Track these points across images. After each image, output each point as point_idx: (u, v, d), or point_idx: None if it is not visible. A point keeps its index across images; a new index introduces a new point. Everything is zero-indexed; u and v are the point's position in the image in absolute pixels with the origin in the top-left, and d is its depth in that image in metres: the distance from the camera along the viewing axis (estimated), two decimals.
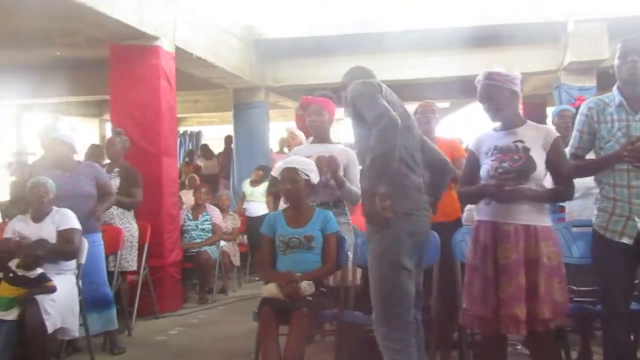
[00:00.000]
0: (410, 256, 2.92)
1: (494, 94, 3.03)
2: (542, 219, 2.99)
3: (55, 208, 4.35)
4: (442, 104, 14.13)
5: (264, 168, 8.68)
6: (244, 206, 8.58)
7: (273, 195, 5.18)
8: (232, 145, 10.79)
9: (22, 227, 4.25)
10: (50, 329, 3.86)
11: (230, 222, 7.82)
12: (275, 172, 4.21)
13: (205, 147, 13.66)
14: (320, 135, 4.30)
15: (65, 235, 4.23)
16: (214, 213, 7.30)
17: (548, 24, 8.30)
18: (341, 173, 4.06)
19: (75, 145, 4.87)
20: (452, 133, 12.20)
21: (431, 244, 3.40)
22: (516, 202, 2.93)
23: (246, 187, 8.59)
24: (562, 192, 3.06)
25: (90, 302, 4.53)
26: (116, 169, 5.60)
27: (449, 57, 8.91)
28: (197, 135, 16.63)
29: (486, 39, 8.35)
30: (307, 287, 3.66)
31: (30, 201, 4.32)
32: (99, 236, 4.78)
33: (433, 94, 10.11)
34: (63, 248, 4.19)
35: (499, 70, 3.06)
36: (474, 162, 3.16)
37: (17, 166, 9.07)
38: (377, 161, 2.77)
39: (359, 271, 3.99)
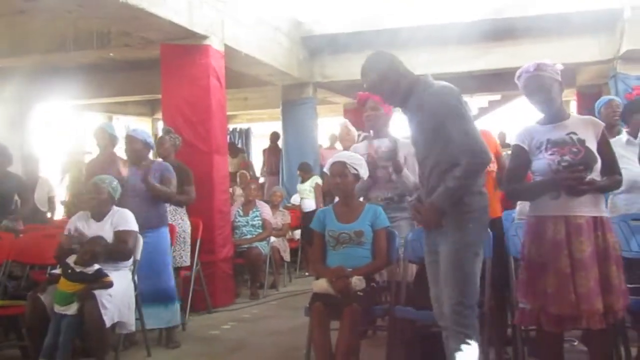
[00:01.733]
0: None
1: (547, 86, 2.98)
2: (604, 210, 3.01)
3: (115, 208, 4.46)
4: (493, 96, 13.89)
5: (302, 167, 8.82)
6: (297, 202, 8.73)
7: (325, 192, 5.22)
8: (280, 142, 10.85)
9: (83, 226, 4.37)
10: (108, 323, 3.96)
11: (280, 218, 7.86)
12: (327, 168, 4.21)
13: (230, 145, 13.75)
14: (377, 129, 4.33)
15: (121, 236, 4.33)
16: (264, 209, 7.34)
17: (603, 11, 8.05)
18: (402, 161, 4.06)
19: (148, 141, 5.00)
20: (499, 126, 12.05)
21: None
22: (583, 194, 2.90)
23: (299, 186, 8.74)
24: (619, 181, 3.07)
25: (154, 295, 4.64)
26: None
27: (501, 50, 8.75)
28: (246, 132, 16.77)
29: (534, 29, 8.18)
30: (358, 282, 3.65)
31: (85, 200, 4.44)
32: (165, 230, 4.90)
33: (483, 86, 10.00)
34: (117, 248, 4.29)
35: (546, 62, 3.04)
36: (523, 158, 3.08)
37: (70, 164, 9.35)
38: (456, 190, 2.81)
39: (411, 267, 3.95)
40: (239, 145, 15.63)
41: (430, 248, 3.02)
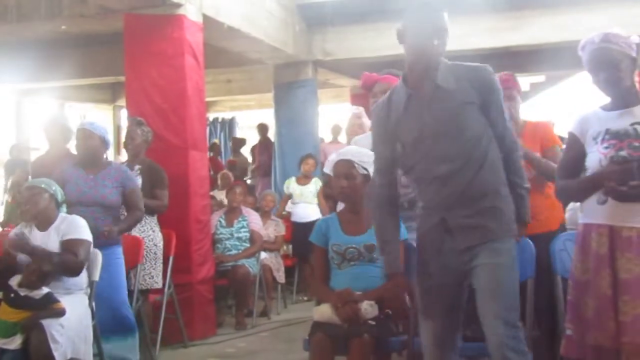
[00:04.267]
0: None
1: (614, 61, 2.98)
2: None
3: (62, 215, 4.47)
4: (535, 78, 13.90)
5: (315, 157, 8.69)
6: (288, 209, 8.62)
7: (326, 197, 5.21)
8: (271, 135, 10.86)
9: (34, 236, 4.36)
10: None
11: (272, 229, 7.87)
12: (327, 168, 4.21)
13: (236, 140, 13.80)
14: None
15: (69, 246, 4.32)
16: (253, 218, 7.34)
17: None
18: None
19: (107, 138, 5.01)
20: (544, 115, 12.04)
21: (525, 253, 3.35)
22: (633, 200, 2.87)
23: (292, 185, 8.62)
24: None
25: (108, 326, 4.65)
26: (137, 167, 5.70)
27: (542, 19, 8.75)
28: (230, 123, 16.81)
29: None
30: (368, 308, 3.65)
31: (21, 206, 4.45)
32: (119, 250, 4.90)
33: (522, 65, 9.96)
34: (63, 261, 4.27)
35: (617, 32, 3.02)
36: (577, 149, 3.10)
37: (12, 163, 9.39)
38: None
39: None
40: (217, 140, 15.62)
41: (450, 265, 3.01)
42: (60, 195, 4.49)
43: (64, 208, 4.52)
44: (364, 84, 4.34)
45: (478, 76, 2.99)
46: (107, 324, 4.65)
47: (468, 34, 8.43)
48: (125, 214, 5.09)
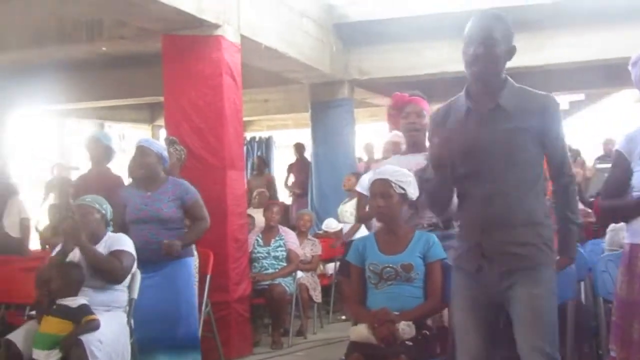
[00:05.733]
0: None
1: None
2: None
3: (109, 234, 4.55)
4: (575, 96, 13.78)
5: (357, 176, 8.67)
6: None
7: (360, 219, 5.21)
8: (308, 154, 10.88)
9: (74, 254, 4.43)
10: None
11: (309, 249, 7.86)
12: (360, 187, 4.21)
13: (261, 159, 13.85)
14: (417, 141, 4.30)
15: (114, 254, 4.41)
16: (289, 237, 7.35)
17: None
18: None
19: (164, 155, 5.09)
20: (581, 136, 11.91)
21: (566, 275, 3.31)
22: None
23: (341, 207, 8.63)
24: None
25: (168, 342, 4.72)
26: None
27: (582, 37, 8.68)
28: (267, 142, 16.90)
29: (633, 10, 8.09)
30: (406, 328, 3.63)
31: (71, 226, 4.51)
32: (191, 261, 5.04)
33: (561, 83, 9.87)
34: (110, 262, 4.34)
35: None
36: (624, 168, 3.08)
37: (54, 183, 9.51)
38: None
39: None
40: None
41: (487, 291, 2.97)
42: (109, 213, 4.56)
43: (110, 227, 4.59)
44: (396, 104, 4.35)
45: (541, 104, 2.94)
46: (165, 340, 4.70)
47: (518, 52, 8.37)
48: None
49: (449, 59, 9.15)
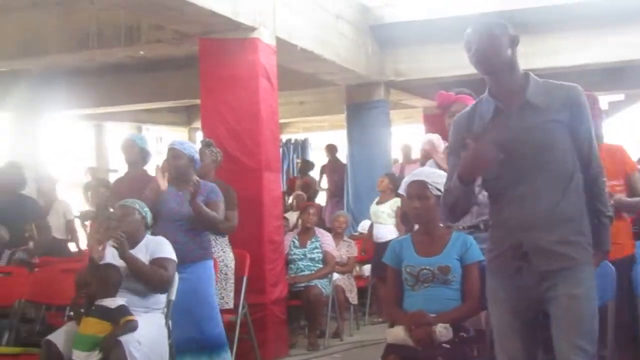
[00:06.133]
0: None
1: None
2: None
3: (148, 236, 4.59)
4: (614, 96, 13.59)
5: (391, 176, 8.65)
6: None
7: (402, 219, 5.20)
8: (340, 155, 10.88)
9: (114, 255, 4.48)
10: None
11: (345, 250, 7.86)
12: (402, 189, 4.20)
13: (305, 162, 13.87)
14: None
15: (158, 263, 4.45)
16: (326, 239, 7.35)
17: None
18: None
19: (195, 157, 5.15)
20: (621, 137, 11.75)
21: (605, 276, 3.26)
22: None
23: (373, 205, 8.60)
24: None
25: (196, 344, 4.74)
26: None
27: (621, 36, 8.56)
28: (302, 144, 16.93)
29: None
30: (443, 331, 3.61)
31: (111, 228, 4.57)
32: (210, 264, 5.04)
33: (600, 83, 9.74)
34: (156, 272, 4.40)
35: None
36: None
37: (92, 185, 9.63)
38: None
39: None
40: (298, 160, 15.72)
41: (526, 293, 2.90)
42: (149, 217, 4.61)
43: (149, 230, 4.65)
44: (441, 103, 4.31)
45: (568, 95, 2.90)
46: (194, 342, 4.74)
47: (542, 53, 8.32)
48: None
49: None
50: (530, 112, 2.88)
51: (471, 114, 3.06)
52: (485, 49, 2.87)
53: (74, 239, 7.98)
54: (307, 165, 13.25)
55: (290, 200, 10.29)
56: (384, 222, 8.28)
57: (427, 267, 3.79)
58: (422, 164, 4.81)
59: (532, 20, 7.90)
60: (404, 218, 5.09)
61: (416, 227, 4.16)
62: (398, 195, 7.80)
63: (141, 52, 8.88)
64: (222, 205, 5.16)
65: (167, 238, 4.66)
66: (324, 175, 12.86)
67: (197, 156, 5.16)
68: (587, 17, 8.26)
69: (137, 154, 5.76)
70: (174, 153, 5.08)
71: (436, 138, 5.68)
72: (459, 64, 9.28)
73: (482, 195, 3.88)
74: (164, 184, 4.88)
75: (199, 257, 4.95)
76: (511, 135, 2.88)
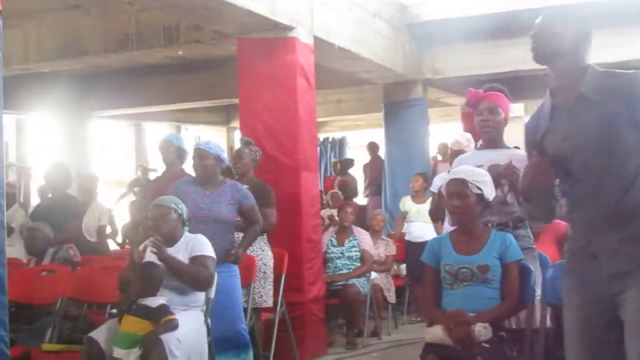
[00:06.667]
0: None
1: None
2: None
3: (187, 234, 4.63)
4: None
5: (424, 175, 8.62)
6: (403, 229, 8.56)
7: (431, 216, 5.17)
8: (382, 154, 10.87)
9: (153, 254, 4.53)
10: None
11: (383, 249, 7.85)
12: (434, 187, 4.18)
13: (344, 161, 13.84)
14: (493, 138, 4.25)
15: (198, 261, 4.48)
16: (363, 237, 7.34)
17: None
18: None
19: (222, 156, 5.17)
20: None
21: None
22: None
23: (408, 203, 8.56)
24: None
25: (222, 343, 4.76)
26: (245, 186, 5.81)
27: None
28: (340, 143, 16.94)
29: None
30: (482, 330, 3.59)
31: (149, 226, 4.62)
32: (235, 267, 5.03)
33: None
34: (196, 271, 4.43)
35: None
36: None
37: (132, 184, 9.78)
38: None
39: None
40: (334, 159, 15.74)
41: (596, 296, 2.74)
42: (185, 214, 4.64)
43: (187, 227, 4.68)
44: (470, 101, 4.28)
45: (627, 82, 2.71)
46: (222, 340, 4.76)
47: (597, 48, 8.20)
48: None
49: (524, 57, 8.99)
50: (584, 106, 2.74)
51: (536, 116, 2.95)
52: (543, 38, 2.78)
53: (102, 244, 8.01)
54: (347, 164, 13.25)
55: (326, 199, 10.30)
56: (427, 220, 8.24)
57: (466, 266, 3.77)
58: (451, 164, 4.78)
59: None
60: (433, 215, 5.06)
61: (445, 223, 4.14)
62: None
63: (180, 53, 8.97)
64: (257, 208, 5.19)
65: None
66: (366, 173, 12.86)
67: (223, 155, 5.17)
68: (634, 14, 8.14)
69: (174, 154, 5.82)
70: (200, 153, 5.09)
71: (465, 138, 5.66)
72: (496, 61, 9.34)
73: (510, 195, 3.86)
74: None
75: (225, 259, 4.95)
76: (568, 133, 2.77)
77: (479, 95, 4.22)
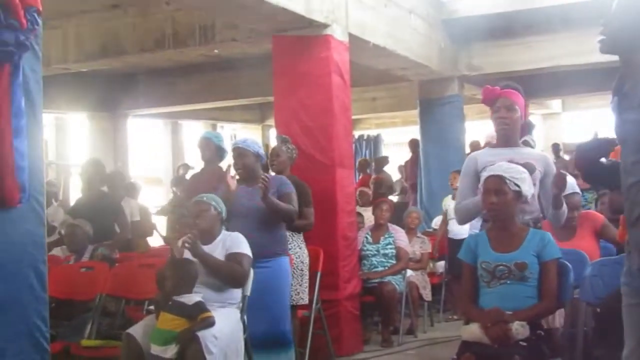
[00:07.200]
0: None
1: None
2: None
3: (225, 232, 4.66)
4: None
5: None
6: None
7: None
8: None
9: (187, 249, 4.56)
10: None
11: (418, 247, 7.83)
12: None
13: (379, 159, 13.82)
14: (508, 135, 4.22)
15: (233, 258, 4.51)
16: (399, 235, 7.33)
17: None
18: (536, 184, 3.96)
19: (260, 153, 5.20)
20: None
21: None
22: None
23: (448, 201, 8.53)
24: None
25: (266, 340, 4.80)
26: None
27: None
28: (375, 140, 16.91)
29: None
30: (519, 329, 3.56)
31: (188, 224, 4.65)
32: (286, 260, 5.08)
33: None
34: (230, 267, 4.46)
35: None
36: None
37: (178, 182, 9.84)
38: None
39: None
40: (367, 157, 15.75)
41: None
42: (224, 211, 4.68)
43: (224, 225, 4.71)
44: (485, 98, 4.25)
45: None
46: (264, 338, 4.79)
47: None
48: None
49: (561, 52, 8.93)
50: (625, 105, 2.66)
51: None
52: (618, 28, 2.64)
53: (135, 240, 8.09)
54: (382, 162, 13.22)
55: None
56: (454, 216, 8.21)
57: (504, 264, 3.74)
58: None
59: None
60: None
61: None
62: None
63: (216, 51, 9.03)
64: (295, 197, 5.18)
65: (242, 233, 4.72)
66: (406, 171, 12.83)
67: (261, 151, 5.20)
68: None
69: (213, 152, 5.86)
70: (239, 152, 5.12)
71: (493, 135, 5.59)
72: (533, 57, 9.25)
73: (530, 194, 3.82)
74: (233, 183, 4.92)
75: (273, 254, 4.98)
76: (626, 129, 2.66)
77: (496, 93, 4.20)
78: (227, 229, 4.77)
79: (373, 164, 13.47)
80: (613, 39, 2.67)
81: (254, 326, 4.70)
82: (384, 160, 13.27)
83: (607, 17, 2.67)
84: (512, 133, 4.22)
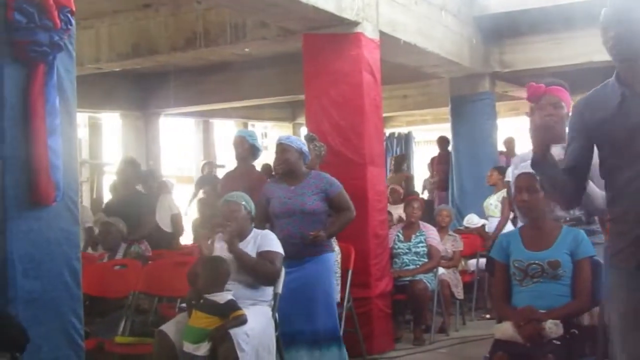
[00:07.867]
0: None
1: None
2: None
3: (255, 230, 4.70)
4: None
5: (500, 169, 8.51)
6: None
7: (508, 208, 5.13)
8: (450, 148, 10.79)
9: (222, 248, 4.59)
10: None
11: (450, 245, 7.79)
12: (509, 177, 4.13)
13: (398, 157, 13.75)
14: (555, 133, 4.16)
15: (265, 256, 4.54)
16: (430, 233, 7.30)
17: None
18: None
19: (304, 150, 5.21)
20: None
21: None
22: None
23: (488, 200, 8.51)
24: None
25: (310, 337, 4.86)
26: None
27: None
28: (406, 138, 16.85)
29: None
30: (553, 327, 3.54)
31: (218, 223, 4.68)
32: (331, 257, 5.12)
33: None
34: (264, 266, 4.49)
35: None
36: None
37: (205, 181, 9.93)
38: None
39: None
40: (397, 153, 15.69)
41: None
42: (253, 210, 4.71)
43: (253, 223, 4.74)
44: (531, 96, 4.19)
45: None
46: (307, 335, 4.84)
47: None
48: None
49: (594, 48, 8.80)
50: None
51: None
52: (626, 34, 2.67)
53: (179, 232, 8.22)
54: (401, 160, 13.18)
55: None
56: (492, 214, 8.17)
57: (536, 262, 3.73)
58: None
59: None
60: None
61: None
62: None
63: (246, 50, 9.07)
64: (344, 192, 5.21)
65: (284, 234, 4.77)
66: (433, 168, 12.76)
67: (305, 149, 5.21)
68: None
69: (248, 150, 5.88)
70: (282, 147, 5.14)
71: None
72: (566, 53, 9.15)
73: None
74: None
75: (317, 252, 4.99)
76: (632, 124, 2.68)
77: (541, 90, 4.15)
78: (271, 230, 4.80)
79: (392, 162, 13.38)
80: (611, 46, 2.73)
81: (299, 324, 4.74)
82: (403, 159, 13.20)
83: (603, 22, 2.73)
84: (559, 131, 4.17)
